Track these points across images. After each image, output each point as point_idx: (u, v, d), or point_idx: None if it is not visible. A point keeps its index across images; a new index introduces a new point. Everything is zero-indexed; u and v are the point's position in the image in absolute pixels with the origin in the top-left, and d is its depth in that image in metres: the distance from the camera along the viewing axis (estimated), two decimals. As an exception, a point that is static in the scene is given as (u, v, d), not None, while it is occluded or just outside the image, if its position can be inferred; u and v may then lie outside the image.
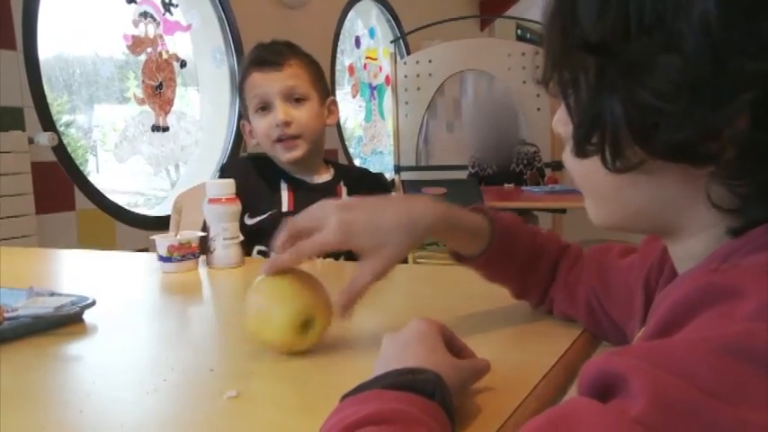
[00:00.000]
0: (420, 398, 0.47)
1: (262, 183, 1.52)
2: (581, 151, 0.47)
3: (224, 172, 1.61)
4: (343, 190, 1.57)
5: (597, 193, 0.52)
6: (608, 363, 0.37)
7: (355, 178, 1.63)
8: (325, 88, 1.59)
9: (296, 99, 1.51)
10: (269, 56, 1.53)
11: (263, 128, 1.52)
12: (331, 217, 0.69)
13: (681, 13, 0.41)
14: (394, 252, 0.70)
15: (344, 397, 0.49)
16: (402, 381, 0.48)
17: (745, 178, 0.42)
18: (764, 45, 0.40)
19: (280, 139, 1.49)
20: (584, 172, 0.51)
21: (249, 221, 1.46)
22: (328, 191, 1.53)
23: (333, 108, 1.60)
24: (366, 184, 1.63)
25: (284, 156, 1.51)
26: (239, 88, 1.60)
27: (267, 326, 0.71)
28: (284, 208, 1.50)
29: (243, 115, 1.61)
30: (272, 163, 1.57)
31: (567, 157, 0.51)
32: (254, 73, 1.52)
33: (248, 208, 1.43)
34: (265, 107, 1.51)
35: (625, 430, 0.33)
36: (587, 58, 0.45)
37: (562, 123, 0.51)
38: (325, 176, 1.58)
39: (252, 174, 1.53)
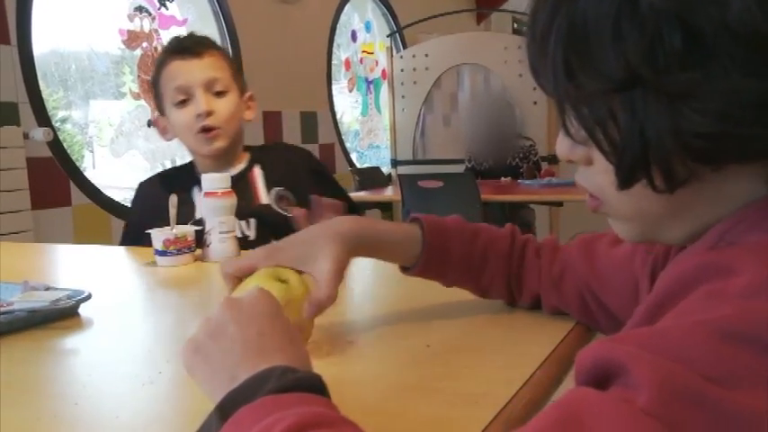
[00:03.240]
0: (313, 395, 0.45)
1: (180, 195, 1.44)
2: (626, 184, 0.45)
3: (136, 199, 1.60)
4: (259, 174, 1.53)
5: (650, 215, 0.48)
6: (605, 350, 0.37)
7: (273, 156, 1.59)
8: (242, 82, 1.55)
9: (216, 92, 1.47)
10: (189, 44, 1.49)
11: (183, 120, 1.47)
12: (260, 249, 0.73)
13: (722, 31, 0.39)
14: (330, 260, 0.69)
15: (225, 408, 0.45)
16: (288, 382, 0.45)
17: None
18: None
19: (203, 130, 1.45)
20: (631, 198, 0.47)
21: None
22: (240, 180, 1.47)
23: (251, 103, 1.57)
24: (284, 157, 1.60)
25: (206, 147, 1.47)
26: (154, 81, 1.54)
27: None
28: (198, 215, 1.45)
29: (158, 110, 1.56)
30: (184, 173, 1.55)
31: (598, 184, 0.48)
32: (174, 61, 1.47)
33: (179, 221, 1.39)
34: (185, 99, 1.46)
35: (634, 422, 0.33)
36: (611, 92, 0.42)
37: (567, 149, 0.49)
38: (239, 167, 1.53)
39: (164, 192, 1.45)
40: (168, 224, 1.28)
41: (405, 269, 0.79)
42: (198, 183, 1.47)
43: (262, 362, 0.48)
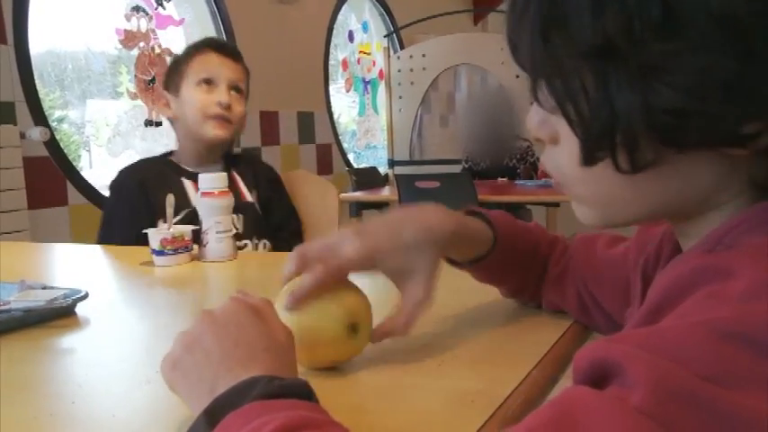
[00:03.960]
0: (305, 402, 0.45)
1: (162, 186, 1.53)
2: (590, 160, 0.44)
3: (119, 186, 1.63)
4: (237, 178, 1.64)
5: (609, 197, 0.47)
6: (603, 350, 0.37)
7: (244, 164, 1.71)
8: (246, 102, 1.71)
9: (237, 89, 1.64)
10: (230, 47, 1.70)
11: (201, 101, 1.59)
12: (350, 241, 0.65)
13: (699, 6, 0.39)
14: (426, 275, 0.67)
15: (213, 413, 0.45)
16: (275, 388, 0.45)
17: None
18: None
19: (217, 117, 1.59)
20: (592, 178, 0.46)
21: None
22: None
23: (244, 121, 1.71)
24: (254, 168, 1.72)
25: (214, 131, 1.60)
26: (178, 61, 1.66)
27: (314, 341, 0.62)
28: (192, 203, 1.52)
29: (166, 87, 1.67)
30: (166, 165, 1.64)
31: (562, 165, 0.48)
32: (212, 53, 1.63)
33: (159, 213, 1.43)
34: (210, 82, 1.60)
35: (627, 420, 0.33)
36: (584, 63, 0.42)
37: (536, 124, 0.48)
38: (217, 168, 1.62)
39: (150, 179, 1.57)
40: (159, 216, 1.29)
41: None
42: (185, 174, 1.60)
43: (242, 372, 0.48)
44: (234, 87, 1.63)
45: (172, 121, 1.68)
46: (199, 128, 1.60)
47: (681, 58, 0.39)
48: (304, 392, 0.46)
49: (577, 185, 0.49)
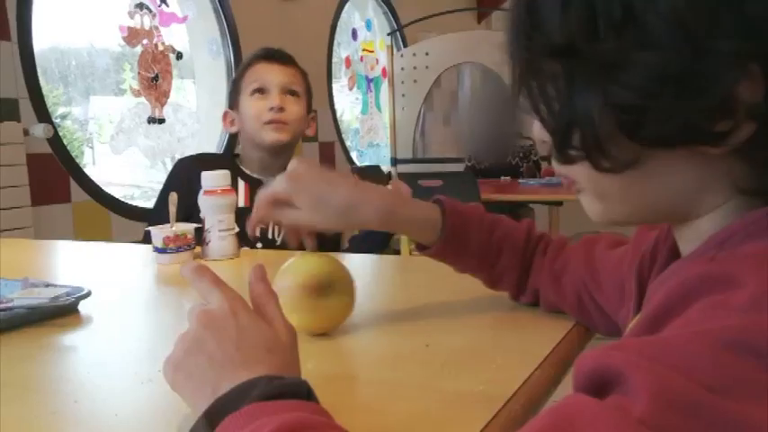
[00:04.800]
0: (304, 402, 0.45)
1: None
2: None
3: (170, 175, 1.68)
4: None
5: (607, 195, 0.49)
6: (604, 358, 0.36)
7: None
8: (311, 102, 1.74)
9: (291, 92, 1.66)
10: (277, 53, 1.71)
11: (255, 109, 1.64)
12: (279, 183, 0.75)
13: (649, 5, 0.40)
14: (323, 225, 0.76)
15: (213, 415, 0.45)
16: (274, 389, 0.45)
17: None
18: (740, 23, 0.39)
19: (272, 121, 1.62)
20: (589, 173, 0.47)
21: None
22: None
23: (312, 122, 1.75)
24: None
25: (271, 135, 1.62)
26: (236, 79, 1.72)
27: (290, 306, 0.68)
28: (240, 203, 1.53)
29: (230, 105, 1.73)
30: (227, 162, 1.64)
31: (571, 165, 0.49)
32: (260, 63, 1.68)
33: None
34: (262, 93, 1.65)
35: (628, 431, 0.32)
36: (554, 63, 0.44)
37: (537, 126, 0.50)
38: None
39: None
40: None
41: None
42: (243, 176, 1.64)
43: (244, 374, 0.48)
44: (287, 90, 1.66)
45: (239, 134, 1.73)
46: (257, 135, 1.64)
47: (634, 57, 0.41)
48: (303, 392, 0.46)
49: (584, 183, 0.50)
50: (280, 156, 1.65)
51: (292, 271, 0.75)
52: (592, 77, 0.42)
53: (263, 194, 0.76)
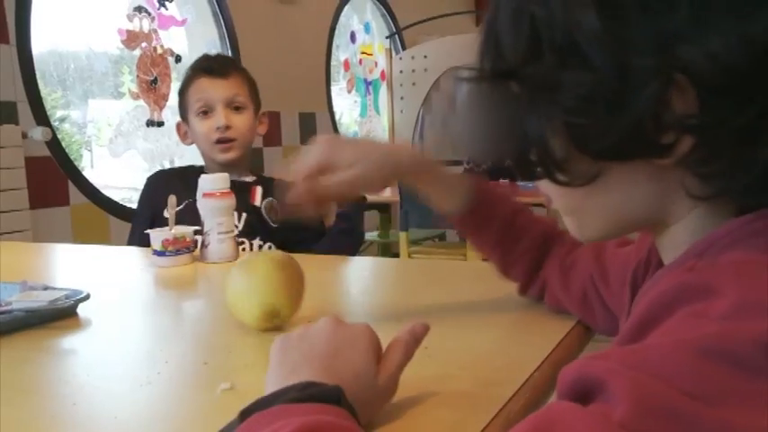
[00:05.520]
0: (329, 406, 0.46)
1: (187, 193, 1.52)
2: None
3: (148, 186, 1.71)
4: (259, 190, 1.67)
5: (576, 210, 0.52)
6: (586, 367, 0.37)
7: (272, 186, 1.74)
8: (258, 101, 1.74)
9: (235, 107, 1.67)
10: (216, 66, 1.70)
11: (203, 130, 1.65)
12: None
13: (575, 29, 0.42)
14: (362, 180, 0.75)
15: (246, 413, 0.46)
16: (305, 395, 0.46)
17: (710, 164, 0.42)
18: (654, 38, 0.41)
19: (219, 141, 1.63)
20: (559, 191, 0.50)
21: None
22: (243, 188, 1.60)
23: (263, 120, 1.77)
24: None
25: (220, 156, 1.65)
26: (181, 92, 1.72)
27: (240, 309, 0.80)
28: None
29: (181, 117, 1.74)
30: (196, 173, 1.60)
31: (541, 182, 0.51)
32: (202, 78, 1.66)
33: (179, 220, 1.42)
34: (207, 111, 1.65)
35: None
36: (507, 83, 0.46)
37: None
38: (247, 179, 1.68)
39: (176, 186, 1.57)
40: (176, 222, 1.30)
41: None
42: None
43: (319, 377, 0.49)
44: (232, 106, 1.66)
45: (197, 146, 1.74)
46: (209, 153, 1.67)
47: (566, 78, 0.43)
48: (334, 398, 0.47)
49: (555, 199, 0.52)
50: (237, 167, 1.66)
51: (246, 294, 0.79)
52: (537, 98, 0.45)
53: (299, 168, 0.75)
